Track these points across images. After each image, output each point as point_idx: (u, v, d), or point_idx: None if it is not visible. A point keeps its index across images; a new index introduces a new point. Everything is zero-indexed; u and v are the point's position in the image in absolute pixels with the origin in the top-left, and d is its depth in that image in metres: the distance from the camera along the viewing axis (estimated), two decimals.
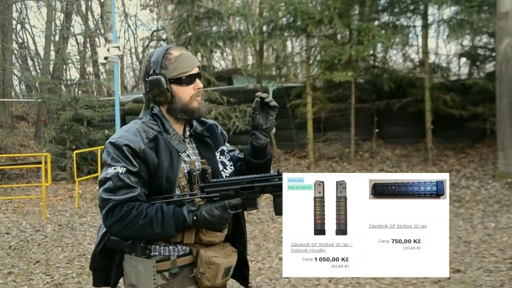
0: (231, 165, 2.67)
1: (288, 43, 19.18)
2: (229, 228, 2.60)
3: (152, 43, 28.29)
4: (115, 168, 2.40)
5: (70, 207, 11.62)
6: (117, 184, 2.38)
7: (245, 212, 2.62)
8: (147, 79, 2.52)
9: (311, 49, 14.35)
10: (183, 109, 2.53)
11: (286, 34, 14.60)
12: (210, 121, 2.76)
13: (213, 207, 2.38)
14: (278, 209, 2.41)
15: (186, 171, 2.49)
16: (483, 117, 12.88)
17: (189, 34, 14.62)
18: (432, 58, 14.86)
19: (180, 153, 2.50)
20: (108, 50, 12.84)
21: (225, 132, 2.84)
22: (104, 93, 22.41)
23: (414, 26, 14.22)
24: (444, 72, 14.49)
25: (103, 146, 13.93)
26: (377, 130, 14.15)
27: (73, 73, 27.39)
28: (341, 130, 13.94)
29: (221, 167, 2.62)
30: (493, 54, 13.29)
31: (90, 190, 13.23)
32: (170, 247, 2.49)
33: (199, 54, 14.99)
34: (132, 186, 2.40)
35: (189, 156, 2.54)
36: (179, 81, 2.50)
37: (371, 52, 14.16)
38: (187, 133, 2.61)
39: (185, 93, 2.52)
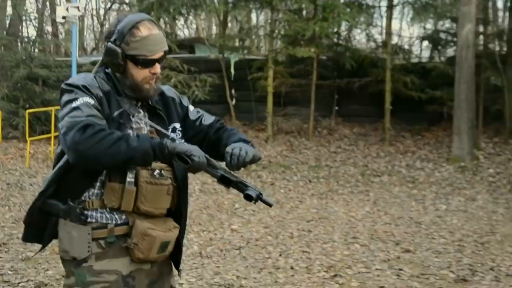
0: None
1: (253, 15, 18.99)
2: (172, 203, 2.48)
3: (114, 6, 27.63)
4: (82, 99, 2.23)
5: (21, 167, 11.33)
6: (88, 111, 2.20)
7: (187, 190, 2.54)
8: (105, 43, 2.39)
9: (275, 23, 14.20)
10: (131, 87, 2.40)
11: (251, 6, 14.42)
12: (168, 93, 2.60)
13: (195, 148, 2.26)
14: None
15: None
16: (441, 101, 13.04)
17: None
18: (395, 40, 14.89)
19: (130, 116, 2.37)
20: (67, 9, 12.50)
21: (186, 104, 2.66)
22: (62, 54, 21.83)
23: (379, 7, 14.23)
24: (405, 54, 14.57)
25: (57, 107, 13.74)
26: (336, 108, 14.16)
27: (31, 32, 26.57)
28: (301, 105, 13.92)
29: None
30: (455, 39, 13.39)
31: (43, 151, 12.92)
32: (108, 215, 2.37)
33: (161, 20, 14.70)
34: (101, 118, 2.24)
35: (138, 123, 2.40)
36: (135, 61, 2.36)
37: (335, 29, 14.11)
38: (139, 103, 2.47)
39: (139, 74, 2.38)
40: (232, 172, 2.34)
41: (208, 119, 2.64)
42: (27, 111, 12.44)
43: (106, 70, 2.43)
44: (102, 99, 2.32)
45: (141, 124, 2.41)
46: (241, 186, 2.32)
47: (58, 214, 2.37)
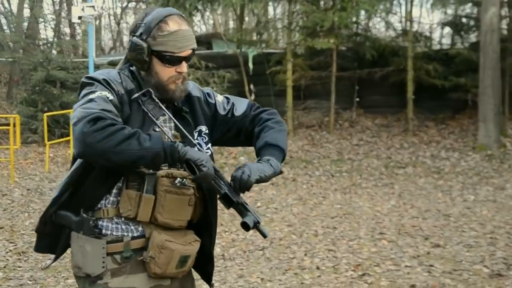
0: (207, 148, 2.35)
1: (270, 8, 18.75)
2: (194, 214, 2.30)
3: (131, 4, 27.60)
4: (101, 93, 2.08)
5: (40, 171, 11.25)
6: (103, 106, 2.04)
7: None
8: (131, 37, 2.22)
9: (293, 15, 13.96)
10: (156, 86, 2.22)
11: None
12: (194, 92, 2.40)
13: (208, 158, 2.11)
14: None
15: None
16: (465, 88, 12.72)
17: None
18: (415, 27, 14.57)
19: (155, 118, 2.19)
20: (82, 9, 12.40)
21: (213, 100, 2.45)
22: (79, 55, 21.82)
23: None
24: (427, 41, 14.24)
25: None
26: (357, 99, 13.88)
27: (49, 33, 26.66)
28: (321, 98, 13.67)
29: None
30: (477, 23, 13.04)
31: (62, 154, 12.86)
32: (123, 226, 2.20)
33: None
34: (117, 115, 2.08)
35: (162, 126, 2.22)
36: (161, 58, 2.19)
37: (354, 19, 13.83)
38: (164, 104, 2.28)
39: (164, 72, 2.21)
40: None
41: (240, 107, 2.45)
42: (46, 114, 12.36)
43: (131, 68, 2.27)
44: (123, 97, 2.15)
45: (165, 128, 2.23)
46: (241, 210, 2.15)
47: (70, 226, 2.21)
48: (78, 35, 24.70)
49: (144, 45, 2.16)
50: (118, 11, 30.32)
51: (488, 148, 11.31)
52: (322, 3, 14.33)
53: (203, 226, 2.37)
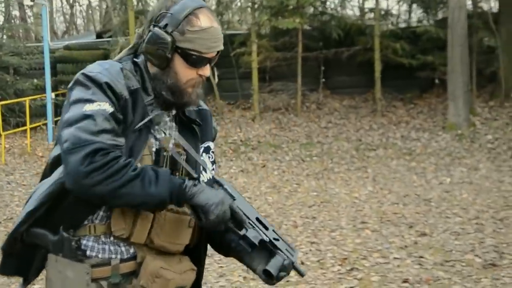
0: (212, 169, 2.01)
1: None
2: (192, 238, 1.95)
3: None
4: (99, 105, 1.72)
5: None
6: (102, 125, 1.69)
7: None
8: (151, 27, 1.82)
9: None
10: (171, 88, 1.86)
11: None
12: (204, 105, 2.09)
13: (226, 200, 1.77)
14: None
15: (154, 148, 1.85)
16: (432, 67, 12.55)
17: None
18: (382, 5, 14.31)
19: (154, 124, 1.85)
20: None
21: (217, 127, 2.16)
22: (32, 39, 20.93)
23: None
24: (394, 19, 14.02)
25: (32, 97, 13.07)
26: (323, 80, 13.56)
27: None
28: (287, 80, 13.31)
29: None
30: (445, 0, 12.85)
31: (19, 145, 12.25)
32: (112, 247, 1.83)
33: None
34: (118, 134, 1.73)
35: (164, 132, 1.88)
36: (187, 57, 1.82)
37: None
38: (173, 111, 1.94)
39: (185, 74, 1.85)
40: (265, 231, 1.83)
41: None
42: (0, 103, 11.72)
43: (135, 60, 1.88)
44: (127, 102, 1.79)
45: (167, 134, 1.89)
46: (264, 256, 1.81)
47: (46, 247, 1.84)
48: (30, 19, 23.77)
49: (169, 39, 1.79)
50: None
51: (458, 127, 11.19)
52: None
53: (192, 253, 2.00)
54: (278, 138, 11.69)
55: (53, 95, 12.99)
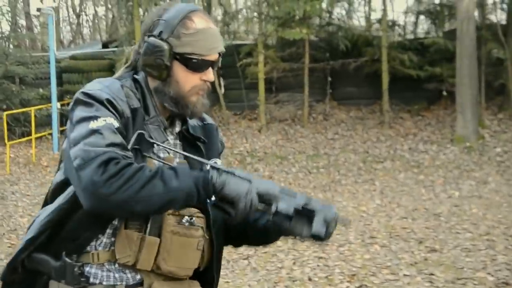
0: None
1: None
2: (201, 260, 1.84)
3: None
4: (105, 120, 1.62)
5: (1, 173, 10.61)
6: (110, 138, 1.60)
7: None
8: (146, 38, 1.75)
9: (263, 4, 13.49)
10: (174, 98, 1.76)
11: None
12: (209, 120, 1.99)
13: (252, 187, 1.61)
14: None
15: None
16: (440, 78, 12.45)
17: None
18: (390, 16, 14.26)
19: (154, 144, 1.74)
20: (41, 1, 11.83)
21: (224, 141, 2.06)
22: (38, 48, 20.94)
23: None
24: (402, 30, 13.95)
25: (37, 107, 13.02)
26: (330, 91, 13.48)
27: (4, 26, 25.64)
28: (294, 91, 13.26)
29: None
30: (452, 12, 12.78)
31: (24, 154, 12.19)
32: (116, 275, 1.74)
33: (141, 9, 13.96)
34: (126, 148, 1.63)
35: (167, 152, 1.79)
36: (187, 62, 1.73)
37: (327, 8, 13.44)
38: (176, 128, 1.85)
39: (187, 80, 1.75)
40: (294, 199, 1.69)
41: None
42: (5, 112, 11.69)
43: (136, 77, 1.80)
44: (128, 120, 1.70)
45: (170, 153, 1.80)
46: (304, 221, 1.68)
47: (48, 273, 1.74)
48: (36, 28, 23.80)
49: (165, 46, 1.71)
50: (77, 2, 29.40)
51: (466, 140, 11.07)
52: None
53: (202, 277, 1.90)
54: (284, 149, 11.59)
55: (58, 104, 12.96)
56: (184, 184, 1.58)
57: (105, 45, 17.15)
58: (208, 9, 14.58)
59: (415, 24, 14.63)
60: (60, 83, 13.79)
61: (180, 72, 1.74)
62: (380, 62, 12.54)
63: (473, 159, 10.42)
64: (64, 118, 12.46)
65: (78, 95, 1.69)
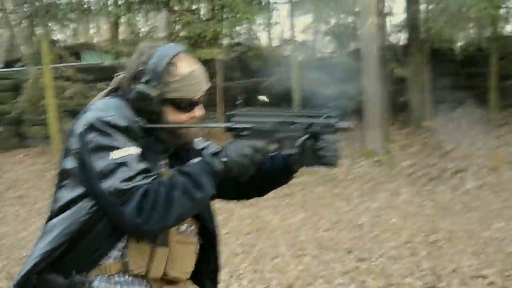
0: None
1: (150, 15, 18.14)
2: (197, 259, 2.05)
3: None
4: (126, 150, 1.71)
5: None
6: (137, 167, 1.71)
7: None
8: (134, 86, 1.83)
9: (173, 25, 13.53)
10: (166, 133, 1.92)
11: (146, 7, 13.65)
12: (200, 143, 2.22)
13: (244, 146, 1.82)
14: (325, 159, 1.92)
15: None
16: (348, 96, 12.94)
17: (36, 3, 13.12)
18: (299, 36, 14.73)
19: (158, 161, 1.90)
20: None
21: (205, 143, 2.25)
22: None
23: (279, 3, 13.97)
24: (310, 50, 14.43)
25: None
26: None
27: None
28: (208, 110, 13.25)
29: None
30: (356, 32, 13.39)
31: None
32: (125, 287, 1.81)
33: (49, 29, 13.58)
34: (149, 169, 1.78)
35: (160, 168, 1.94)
36: (176, 105, 1.87)
37: (237, 29, 13.68)
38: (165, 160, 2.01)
39: (177, 119, 1.90)
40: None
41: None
42: None
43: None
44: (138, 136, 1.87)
45: (162, 169, 1.94)
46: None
47: None
48: None
49: (154, 94, 1.80)
50: None
51: (375, 154, 11.57)
52: (202, 11, 14.02)
53: (205, 271, 2.14)
54: None
55: None
56: (205, 192, 1.76)
57: (8, 65, 16.52)
58: (115, 28, 14.42)
59: (322, 44, 15.21)
60: None
61: (169, 113, 1.88)
62: (290, 80, 12.89)
63: (384, 172, 10.90)
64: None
65: (92, 120, 1.73)
